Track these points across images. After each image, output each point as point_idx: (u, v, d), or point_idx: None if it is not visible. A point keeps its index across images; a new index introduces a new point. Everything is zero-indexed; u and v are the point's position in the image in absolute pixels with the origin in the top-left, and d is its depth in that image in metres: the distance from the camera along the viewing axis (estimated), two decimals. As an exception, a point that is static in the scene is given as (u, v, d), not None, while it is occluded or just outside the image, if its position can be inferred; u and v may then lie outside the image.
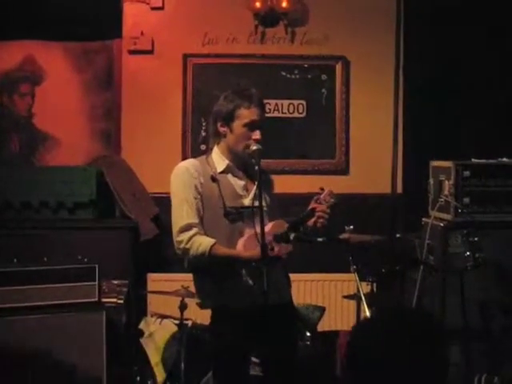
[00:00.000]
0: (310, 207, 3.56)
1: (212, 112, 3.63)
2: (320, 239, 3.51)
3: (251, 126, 3.49)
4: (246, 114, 3.48)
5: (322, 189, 3.61)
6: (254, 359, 3.91)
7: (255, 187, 3.54)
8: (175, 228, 3.49)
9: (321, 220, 3.54)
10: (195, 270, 3.58)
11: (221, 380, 3.60)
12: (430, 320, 1.89)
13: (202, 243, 3.43)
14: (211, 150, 3.64)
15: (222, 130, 3.56)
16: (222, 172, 3.57)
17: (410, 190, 5.90)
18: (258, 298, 3.20)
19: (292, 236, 3.53)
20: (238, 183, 3.59)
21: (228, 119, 3.51)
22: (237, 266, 3.43)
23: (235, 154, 3.56)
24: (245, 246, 3.43)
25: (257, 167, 3.42)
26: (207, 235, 3.48)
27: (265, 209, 3.44)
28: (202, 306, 3.64)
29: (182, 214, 3.48)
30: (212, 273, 3.50)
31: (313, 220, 3.54)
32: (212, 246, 3.41)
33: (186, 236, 3.45)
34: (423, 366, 1.77)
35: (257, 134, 3.49)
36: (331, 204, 3.57)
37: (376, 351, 1.76)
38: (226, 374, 3.55)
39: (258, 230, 3.26)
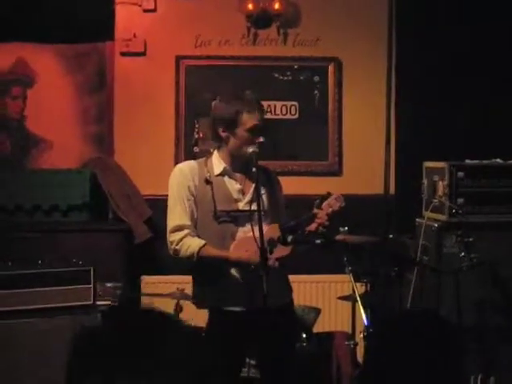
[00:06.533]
0: (312, 213, 3.55)
1: (212, 116, 3.63)
2: (318, 241, 3.50)
3: (254, 130, 3.50)
4: (249, 120, 3.49)
5: (329, 193, 3.60)
6: (251, 361, 3.90)
7: (252, 191, 3.54)
8: (168, 228, 3.53)
9: (320, 228, 3.54)
10: (190, 269, 3.60)
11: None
12: (446, 326, 1.89)
13: (191, 245, 3.46)
14: (211, 153, 3.64)
15: (223, 134, 3.56)
16: (218, 175, 3.57)
17: (402, 191, 5.89)
18: (250, 299, 3.21)
19: (290, 238, 3.52)
20: (235, 187, 3.59)
21: (230, 125, 3.51)
22: (227, 266, 3.46)
23: (238, 157, 3.56)
24: (236, 250, 3.44)
25: (254, 169, 3.42)
26: (199, 237, 3.50)
27: (262, 213, 3.38)
28: (197, 305, 3.67)
29: (175, 215, 3.51)
30: (204, 273, 3.52)
31: (313, 226, 3.54)
32: (200, 248, 3.44)
33: (177, 237, 3.48)
34: (437, 370, 1.77)
35: (260, 139, 3.51)
36: (336, 210, 3.55)
37: (391, 353, 1.76)
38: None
39: (252, 234, 3.27)
